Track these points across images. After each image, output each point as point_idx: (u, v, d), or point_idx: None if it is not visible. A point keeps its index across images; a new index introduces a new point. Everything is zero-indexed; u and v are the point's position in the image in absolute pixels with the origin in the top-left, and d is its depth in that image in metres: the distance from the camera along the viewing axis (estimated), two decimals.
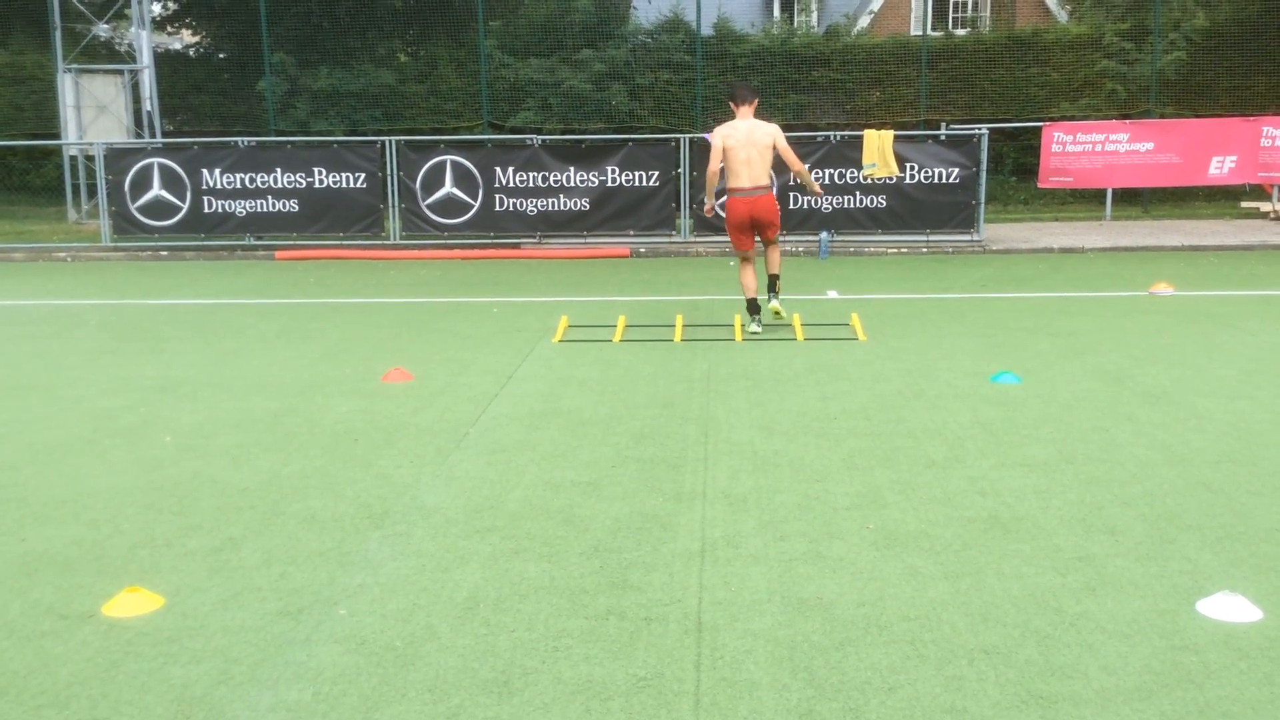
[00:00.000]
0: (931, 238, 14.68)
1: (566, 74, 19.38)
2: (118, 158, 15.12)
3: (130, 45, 19.72)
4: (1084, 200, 18.89)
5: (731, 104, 9.17)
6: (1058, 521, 4.64)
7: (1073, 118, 18.35)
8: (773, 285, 9.14)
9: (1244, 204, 18.09)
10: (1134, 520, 4.64)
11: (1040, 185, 16.43)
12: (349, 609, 3.88)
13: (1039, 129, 16.25)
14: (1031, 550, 4.33)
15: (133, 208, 15.09)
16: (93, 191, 17.60)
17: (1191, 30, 18.68)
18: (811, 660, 3.47)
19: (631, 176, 14.73)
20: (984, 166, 14.56)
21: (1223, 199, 18.89)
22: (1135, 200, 18.58)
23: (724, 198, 9.28)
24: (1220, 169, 15.81)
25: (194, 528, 4.71)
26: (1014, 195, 19.45)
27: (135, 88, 18.46)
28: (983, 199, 14.68)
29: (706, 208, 9.42)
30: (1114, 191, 17.39)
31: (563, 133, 18.53)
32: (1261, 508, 4.76)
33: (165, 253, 15.22)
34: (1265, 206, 17.42)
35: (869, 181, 14.48)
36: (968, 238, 14.66)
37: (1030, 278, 12.19)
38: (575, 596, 3.96)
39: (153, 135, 18.12)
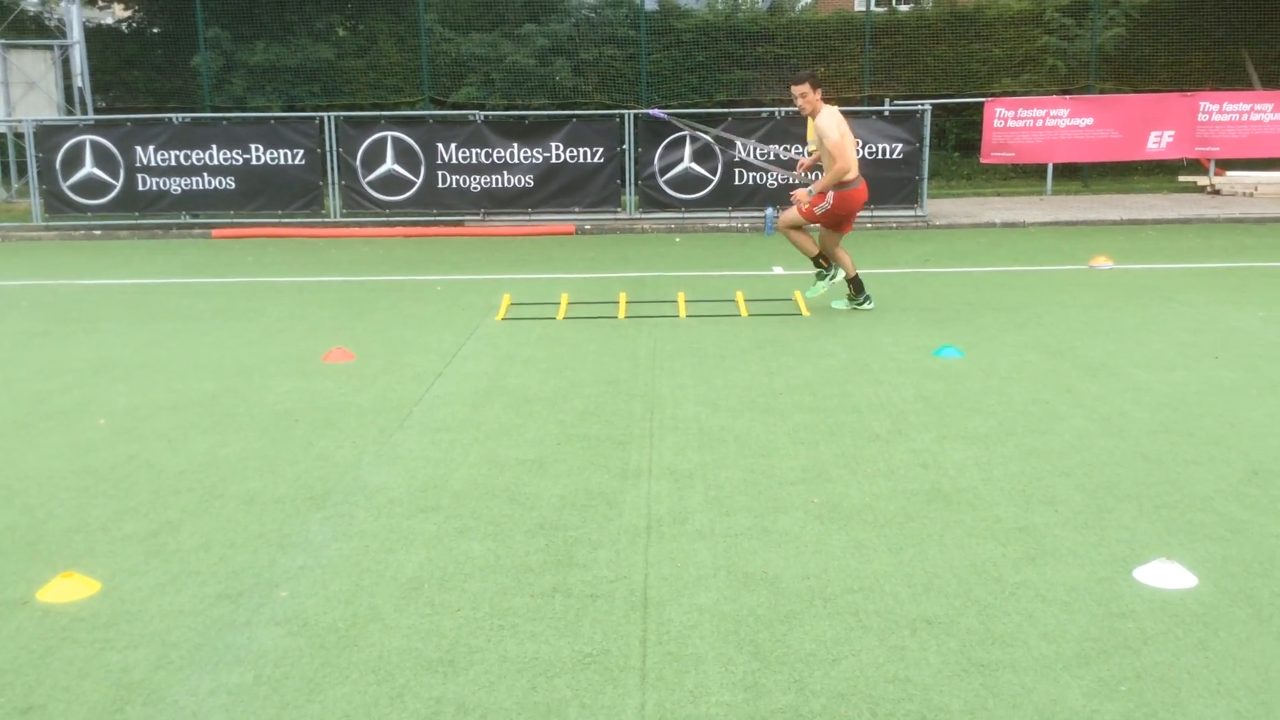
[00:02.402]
0: (875, 213, 14.75)
1: (509, 49, 19.19)
2: (48, 135, 14.75)
3: (60, 20, 19.21)
4: (1025, 175, 19.08)
5: (818, 90, 8.42)
6: (998, 493, 4.69)
7: (1014, 93, 18.50)
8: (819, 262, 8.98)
9: (1181, 178, 18.39)
10: (1073, 490, 4.71)
11: (982, 160, 16.57)
12: (290, 591, 3.83)
13: (981, 104, 16.38)
14: (973, 521, 4.37)
15: (64, 186, 14.74)
16: (23, 170, 17.14)
17: (1131, 6, 18.89)
18: (757, 634, 3.48)
19: (576, 153, 14.64)
20: (927, 142, 14.66)
21: (1161, 173, 19.17)
22: (1075, 175, 18.80)
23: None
24: (1158, 144, 16.05)
25: (130, 511, 4.62)
26: (957, 170, 19.60)
27: (65, 63, 17.99)
28: (925, 174, 14.79)
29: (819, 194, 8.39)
30: (1054, 167, 17.58)
31: (505, 108, 18.36)
32: (1197, 476, 4.85)
33: (99, 232, 14.89)
34: (1202, 180, 17.71)
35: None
36: (911, 213, 14.76)
37: (972, 252, 12.30)
38: (520, 575, 3.94)
39: (84, 112, 17.68)
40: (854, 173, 8.36)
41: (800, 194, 8.52)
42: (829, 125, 8.29)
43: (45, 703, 3.14)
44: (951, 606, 3.64)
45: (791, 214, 8.71)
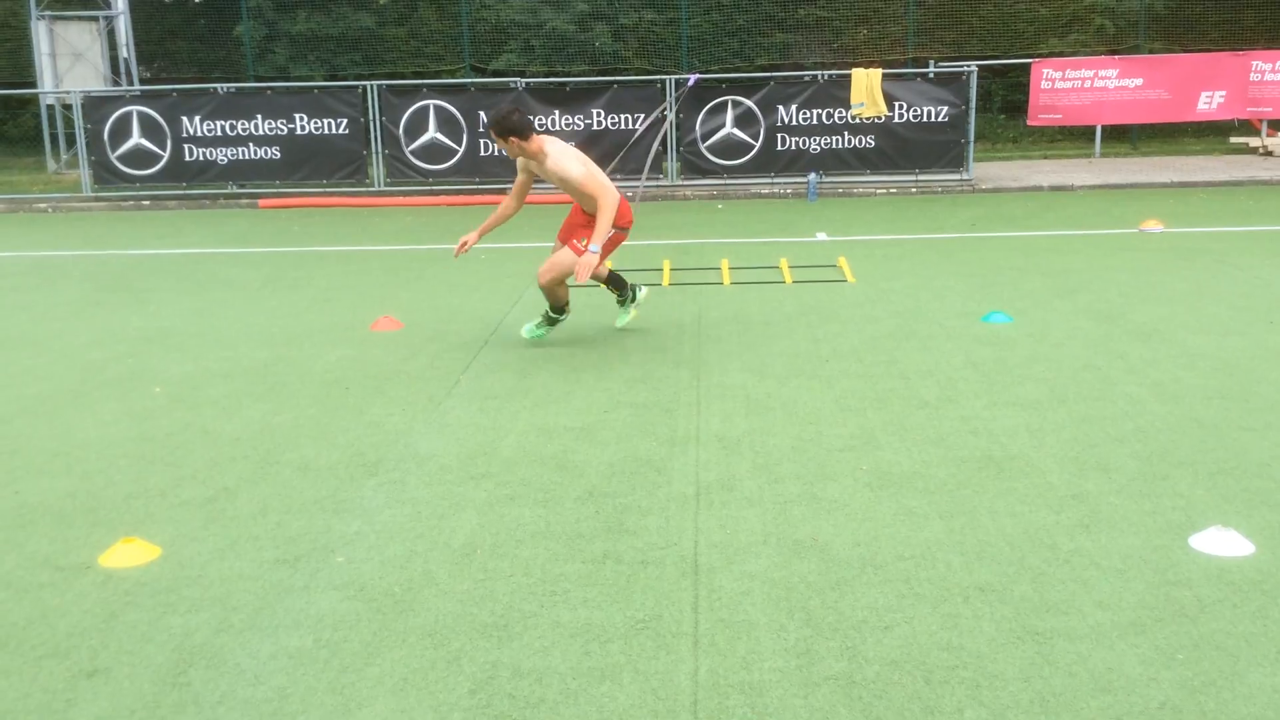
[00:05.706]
0: (920, 177, 14.61)
1: (549, 14, 19.12)
2: (96, 106, 14.90)
3: None
4: (1073, 138, 18.80)
5: (528, 135, 6.42)
6: (1051, 460, 4.66)
7: (1061, 54, 18.20)
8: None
9: (1233, 140, 18.03)
10: (1127, 457, 4.66)
11: (1029, 123, 16.33)
12: (346, 556, 3.88)
13: (1028, 66, 16.12)
14: (1025, 488, 4.35)
15: (113, 157, 14.91)
16: (71, 141, 17.35)
17: None
18: (808, 600, 3.48)
19: (617, 119, 14.59)
20: (973, 104, 14.46)
21: (1212, 135, 18.81)
22: (1124, 137, 18.49)
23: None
24: (1209, 104, 15.73)
25: (187, 478, 4.70)
26: (1003, 133, 19.35)
27: (110, 34, 18.16)
28: (972, 137, 14.60)
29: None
30: (1103, 128, 17.31)
31: (546, 75, 18.31)
32: (1253, 443, 4.78)
33: (147, 202, 15.06)
34: (1254, 142, 17.36)
35: (857, 121, 14.37)
36: (957, 177, 14.59)
37: (1020, 216, 12.15)
38: (571, 541, 3.97)
39: (130, 83, 17.85)
40: (615, 195, 6.42)
41: (589, 259, 6.28)
42: (567, 163, 6.37)
43: (110, 665, 3.21)
44: (1004, 574, 3.63)
45: (566, 265, 6.52)
